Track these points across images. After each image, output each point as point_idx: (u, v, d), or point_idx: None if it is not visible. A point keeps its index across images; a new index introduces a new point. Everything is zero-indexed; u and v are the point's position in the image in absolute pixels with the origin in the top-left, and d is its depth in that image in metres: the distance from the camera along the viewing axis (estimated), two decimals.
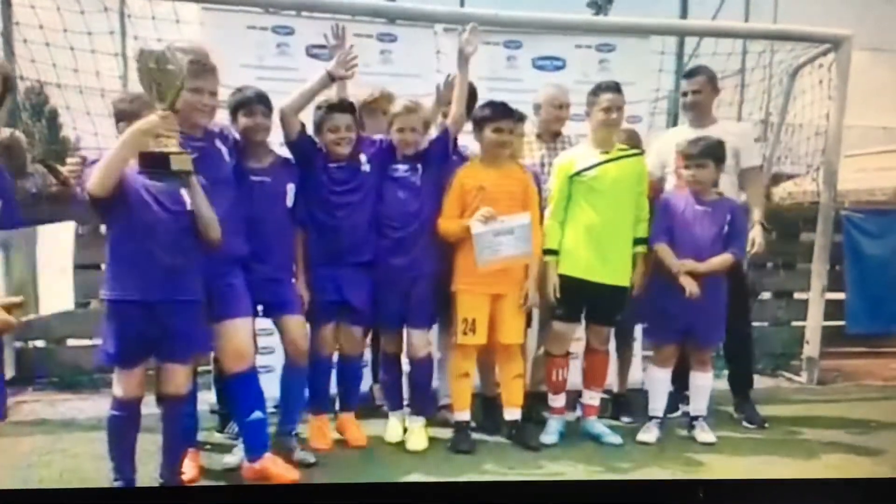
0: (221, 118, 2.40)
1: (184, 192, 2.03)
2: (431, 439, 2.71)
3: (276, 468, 2.32)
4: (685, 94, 3.12)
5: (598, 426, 2.85)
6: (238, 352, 2.27)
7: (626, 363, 3.17)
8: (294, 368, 2.52)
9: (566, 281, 2.72)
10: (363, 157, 2.61)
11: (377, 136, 2.70)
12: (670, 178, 3.08)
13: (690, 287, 2.67)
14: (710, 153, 2.74)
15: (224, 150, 2.32)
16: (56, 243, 1.55)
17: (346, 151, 2.55)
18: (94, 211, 2.02)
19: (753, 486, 2.16)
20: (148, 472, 2.19)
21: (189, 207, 2.04)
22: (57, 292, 1.52)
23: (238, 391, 2.33)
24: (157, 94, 1.92)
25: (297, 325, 2.52)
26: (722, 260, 2.74)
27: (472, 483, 2.35)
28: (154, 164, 1.91)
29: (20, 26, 3.14)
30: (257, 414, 2.30)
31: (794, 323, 4.14)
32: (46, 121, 3.81)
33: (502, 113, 2.62)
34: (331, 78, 2.48)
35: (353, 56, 2.51)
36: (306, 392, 2.61)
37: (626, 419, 3.04)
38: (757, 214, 3.03)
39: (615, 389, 3.16)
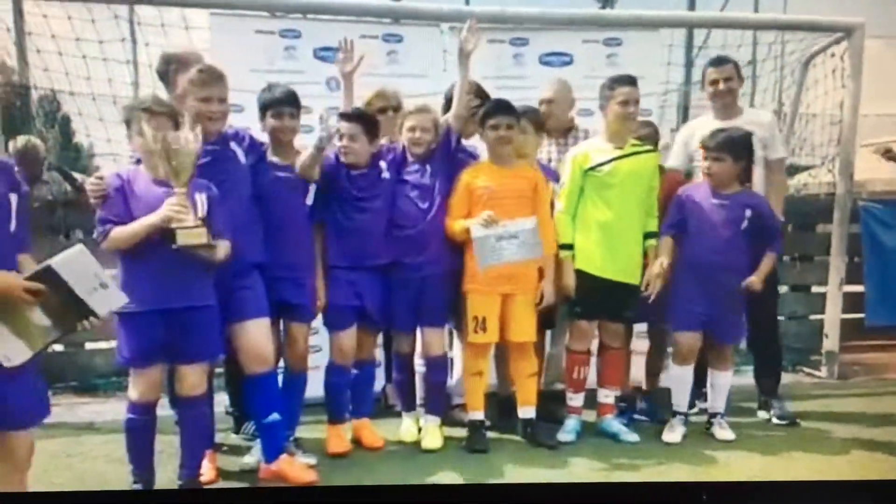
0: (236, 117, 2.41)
1: (198, 197, 2.05)
2: (446, 439, 2.71)
3: (293, 469, 2.33)
4: (715, 83, 3.01)
5: (614, 425, 2.82)
6: (256, 353, 2.28)
7: (657, 360, 3.06)
8: (294, 374, 2.52)
9: (581, 277, 2.70)
10: (383, 164, 2.61)
11: (394, 143, 2.69)
12: (699, 174, 2.98)
13: (654, 285, 2.67)
14: (728, 147, 2.66)
15: (239, 151, 2.32)
16: (77, 266, 1.66)
17: (350, 161, 2.53)
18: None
19: (758, 488, 2.13)
20: (167, 474, 2.21)
21: (201, 215, 2.06)
22: (108, 298, 1.71)
23: (256, 392, 2.33)
24: (171, 173, 1.97)
25: (303, 332, 2.52)
26: (770, 262, 2.72)
27: (486, 485, 2.34)
28: (165, 237, 1.98)
29: (32, 36, 3.19)
30: (274, 416, 2.31)
31: (813, 317, 4.07)
32: (59, 127, 3.87)
33: (498, 109, 2.61)
34: (317, 149, 2.35)
35: (359, 56, 2.51)
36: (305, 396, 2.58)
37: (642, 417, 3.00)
38: (776, 209, 2.94)
39: (644, 387, 3.08)
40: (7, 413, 1.62)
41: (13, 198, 1.64)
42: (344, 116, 2.53)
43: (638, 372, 3.08)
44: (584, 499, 1.99)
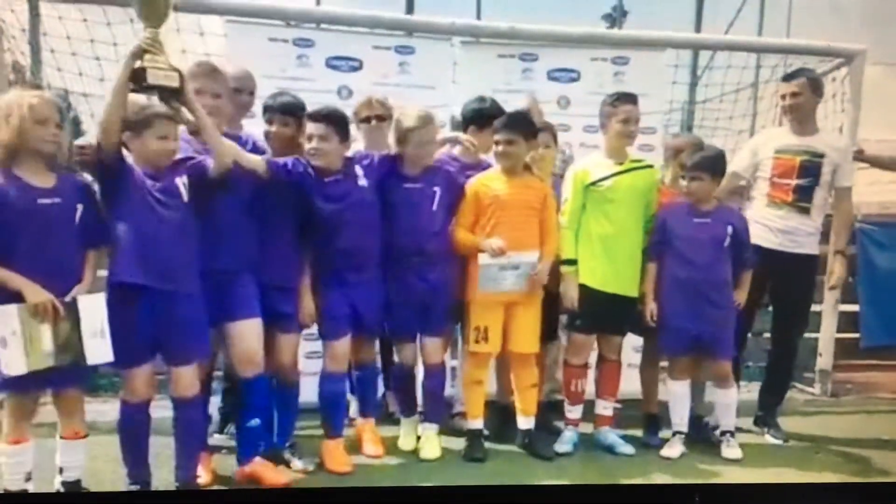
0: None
1: (179, 183, 2.09)
2: (444, 448, 2.72)
3: (267, 471, 2.34)
4: (783, 98, 2.96)
5: (611, 436, 2.85)
6: (246, 355, 2.28)
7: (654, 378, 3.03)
8: (285, 388, 2.49)
9: (583, 291, 2.73)
10: (359, 170, 2.48)
11: (371, 152, 2.62)
12: (761, 184, 2.99)
13: (651, 308, 2.76)
14: (706, 167, 2.72)
15: None
16: (94, 309, 1.95)
17: (320, 163, 2.37)
18: (100, 189, 2.09)
19: (749, 491, 2.16)
20: (164, 476, 2.22)
21: (185, 199, 2.09)
22: (99, 349, 1.96)
23: (245, 396, 2.35)
24: (143, 14, 2.01)
25: (290, 342, 2.47)
26: (746, 281, 2.80)
27: (482, 487, 2.36)
28: (137, 79, 1.98)
29: (47, 37, 3.21)
30: (255, 421, 2.33)
31: (807, 335, 4.12)
32: (70, 126, 3.88)
33: (503, 124, 2.61)
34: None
35: None
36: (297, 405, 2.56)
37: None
38: (840, 243, 2.91)
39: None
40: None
41: (79, 207, 2.00)
42: (311, 117, 2.37)
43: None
44: (576, 499, 2.01)
